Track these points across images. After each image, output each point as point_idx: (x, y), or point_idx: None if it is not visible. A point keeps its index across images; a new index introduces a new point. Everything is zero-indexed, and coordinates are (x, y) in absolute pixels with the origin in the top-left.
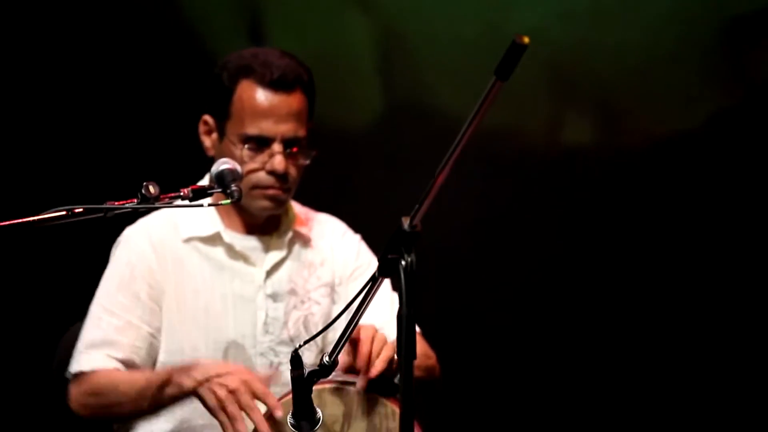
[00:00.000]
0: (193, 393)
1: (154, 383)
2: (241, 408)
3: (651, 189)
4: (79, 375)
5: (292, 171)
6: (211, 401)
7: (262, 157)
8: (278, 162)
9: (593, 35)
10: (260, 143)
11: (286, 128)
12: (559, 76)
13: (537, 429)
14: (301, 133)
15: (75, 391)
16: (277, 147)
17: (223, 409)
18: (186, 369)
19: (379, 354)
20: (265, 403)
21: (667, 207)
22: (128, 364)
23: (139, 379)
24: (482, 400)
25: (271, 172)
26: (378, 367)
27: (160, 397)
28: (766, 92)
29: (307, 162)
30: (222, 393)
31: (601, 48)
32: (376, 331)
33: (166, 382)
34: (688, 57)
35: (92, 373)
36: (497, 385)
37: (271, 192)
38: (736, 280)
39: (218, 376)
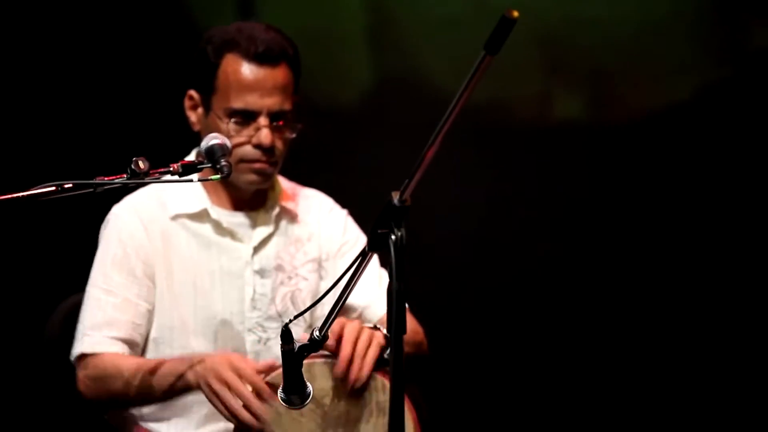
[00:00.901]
0: (198, 388)
1: (159, 376)
2: (237, 395)
3: (641, 161)
4: (84, 357)
5: (279, 144)
6: (206, 390)
7: (248, 131)
8: (264, 136)
9: (582, 9)
10: (246, 117)
11: (271, 102)
12: (548, 50)
13: (536, 425)
14: (287, 106)
15: (81, 374)
16: (263, 121)
17: (221, 403)
18: (186, 362)
19: (364, 354)
20: (253, 384)
21: (657, 179)
22: (129, 343)
23: (143, 369)
24: (475, 390)
25: (258, 146)
26: (365, 371)
27: (165, 389)
28: (756, 63)
29: (293, 135)
30: (214, 382)
31: (590, 21)
32: (361, 330)
33: (166, 373)
34: (678, 29)
35: (96, 356)
36: (484, 371)
37: (257, 166)
38: (728, 252)
39: (213, 371)
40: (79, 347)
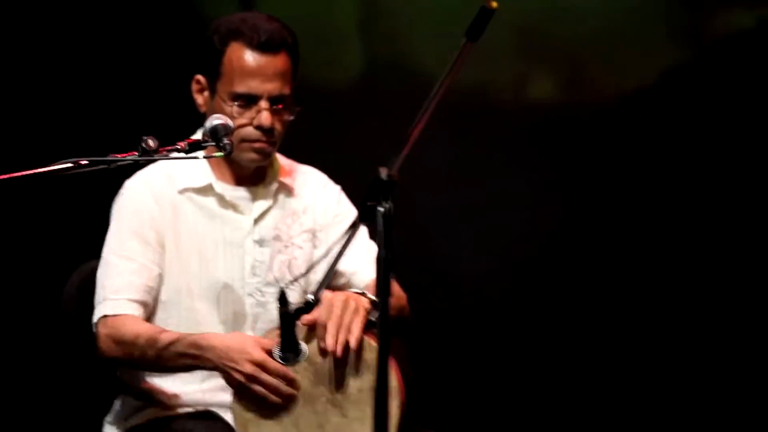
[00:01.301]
0: (215, 369)
1: (171, 347)
2: (266, 387)
3: (612, 140)
4: (105, 319)
5: (278, 126)
6: (234, 383)
7: (249, 113)
8: (265, 118)
9: None
10: (248, 100)
11: (272, 86)
12: (525, 37)
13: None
14: (286, 91)
15: (102, 333)
16: (263, 104)
17: (249, 389)
18: (203, 345)
19: (349, 326)
20: (285, 376)
21: (627, 158)
22: (144, 304)
23: (160, 340)
24: (465, 377)
25: (258, 127)
26: (355, 337)
27: (177, 363)
28: (719, 47)
29: (292, 118)
30: (241, 378)
31: (564, 10)
32: (346, 297)
33: (185, 352)
34: (645, 16)
35: (117, 318)
36: (475, 354)
37: (257, 145)
38: (697, 229)
39: (232, 360)
40: (102, 310)
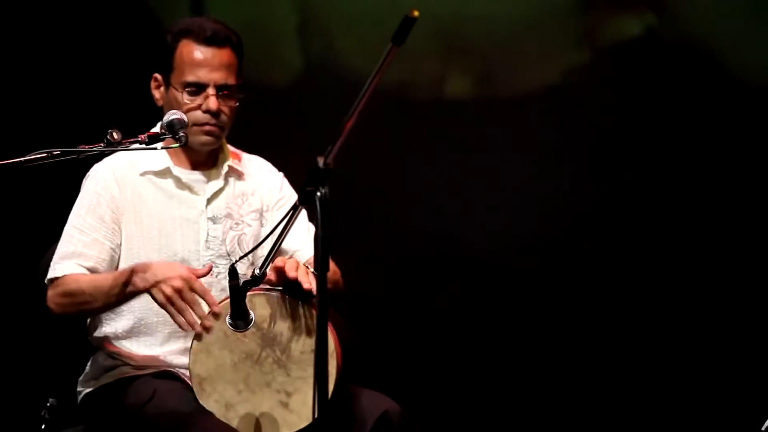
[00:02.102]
0: (146, 291)
1: (114, 284)
2: (186, 302)
3: (520, 131)
4: (54, 280)
5: (225, 110)
6: (161, 299)
7: (199, 100)
8: (212, 102)
9: (470, 8)
10: (198, 88)
11: (218, 76)
12: (443, 42)
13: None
14: (231, 81)
15: (51, 294)
16: (210, 90)
17: (172, 304)
18: (140, 270)
19: (306, 273)
20: (204, 299)
21: (533, 147)
22: (93, 271)
23: (102, 280)
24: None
25: (207, 111)
26: (313, 281)
27: (119, 294)
28: (610, 49)
29: (236, 104)
30: (168, 291)
31: (477, 17)
32: (295, 261)
33: (124, 282)
34: (547, 25)
35: (64, 277)
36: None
37: (207, 128)
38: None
39: (165, 278)
40: (51, 273)
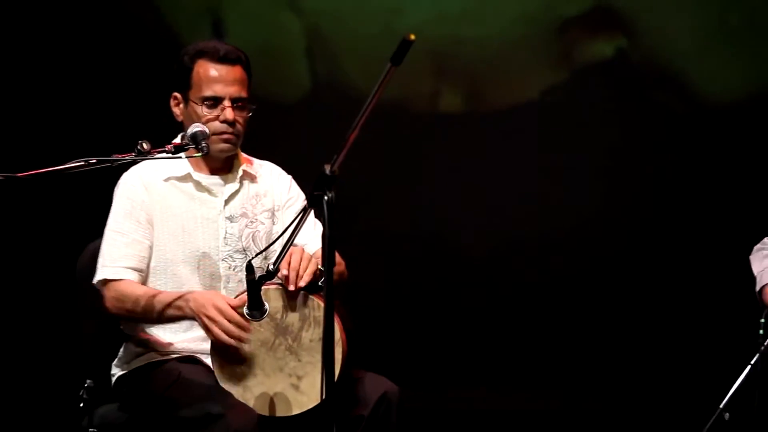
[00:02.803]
0: (193, 316)
1: (162, 303)
2: (224, 332)
3: (505, 142)
4: (106, 282)
5: (239, 119)
6: (203, 325)
7: (216, 112)
8: (228, 113)
9: (461, 31)
10: (215, 101)
11: (232, 90)
12: (437, 62)
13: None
14: (243, 94)
15: (107, 295)
16: (227, 103)
17: (212, 332)
18: (184, 299)
19: (306, 269)
20: (239, 325)
21: (517, 155)
22: (137, 269)
23: (153, 297)
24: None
25: (224, 121)
26: (305, 279)
27: (165, 315)
28: (584, 69)
29: (249, 114)
30: (206, 319)
31: (467, 40)
32: (303, 252)
33: (171, 305)
34: (529, 47)
35: (117, 282)
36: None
37: (225, 136)
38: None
39: (203, 306)
40: (101, 274)
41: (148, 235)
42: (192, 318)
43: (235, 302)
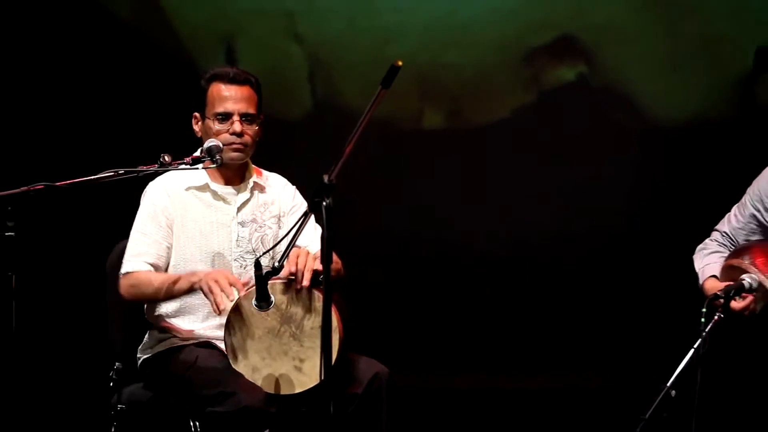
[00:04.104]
0: (197, 284)
1: (173, 281)
2: (222, 289)
3: (480, 156)
4: (126, 274)
5: (248, 132)
6: (205, 288)
7: (226, 126)
8: (236, 126)
9: (444, 57)
10: (225, 117)
11: (240, 106)
12: (421, 85)
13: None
14: (251, 110)
15: (123, 283)
16: (235, 117)
17: (210, 290)
18: (192, 273)
19: (305, 268)
20: (235, 286)
21: (493, 169)
22: (155, 266)
23: (164, 278)
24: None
25: (233, 133)
26: (307, 276)
27: (177, 289)
28: (549, 94)
29: (257, 128)
30: (210, 281)
31: (447, 66)
32: (307, 252)
33: (180, 280)
34: (502, 72)
35: (136, 272)
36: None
37: (234, 146)
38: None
39: (209, 275)
40: (124, 268)
41: (168, 237)
42: (198, 287)
43: (243, 292)
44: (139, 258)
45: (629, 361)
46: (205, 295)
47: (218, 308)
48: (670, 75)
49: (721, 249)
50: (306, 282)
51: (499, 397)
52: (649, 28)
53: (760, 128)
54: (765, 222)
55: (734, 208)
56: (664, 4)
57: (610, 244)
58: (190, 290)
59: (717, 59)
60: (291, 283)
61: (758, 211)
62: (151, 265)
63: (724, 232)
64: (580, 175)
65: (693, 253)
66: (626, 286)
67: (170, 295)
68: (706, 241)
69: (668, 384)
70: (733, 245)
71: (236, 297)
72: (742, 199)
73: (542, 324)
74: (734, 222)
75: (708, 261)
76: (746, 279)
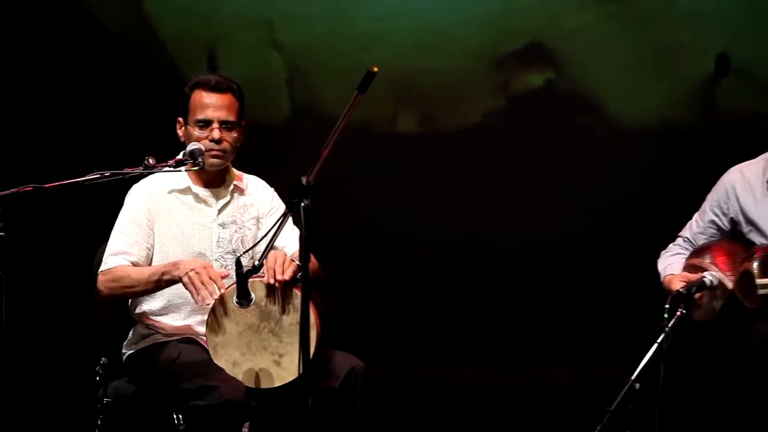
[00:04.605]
0: (177, 277)
1: (153, 273)
2: (203, 283)
3: (452, 158)
4: (105, 270)
5: (227, 139)
6: (186, 280)
7: (206, 132)
8: (215, 133)
9: (416, 65)
10: (206, 123)
11: (220, 113)
12: (395, 90)
13: None
14: (231, 117)
15: (101, 279)
16: (215, 125)
17: (192, 284)
18: (174, 264)
19: (284, 270)
20: (215, 282)
21: (465, 170)
22: (135, 265)
23: (143, 271)
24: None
25: (212, 140)
26: (286, 275)
27: (157, 282)
28: (518, 99)
29: (237, 135)
30: (192, 274)
31: (421, 73)
32: (284, 255)
33: (161, 273)
34: (473, 78)
35: (114, 268)
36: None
37: (213, 152)
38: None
39: (191, 267)
40: (103, 266)
41: (149, 239)
42: (178, 279)
43: (225, 290)
44: (119, 256)
45: (597, 356)
46: (185, 286)
47: (202, 301)
48: (634, 80)
49: (683, 252)
50: (286, 276)
51: (470, 391)
52: (614, 36)
53: (720, 132)
54: (724, 227)
55: (695, 215)
56: (629, 13)
57: (579, 244)
58: (171, 283)
59: (679, 65)
60: (269, 282)
61: (717, 216)
62: (132, 263)
63: (686, 238)
64: (548, 176)
65: (658, 250)
66: (592, 286)
67: (151, 287)
68: (670, 245)
69: (633, 377)
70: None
71: (218, 293)
72: (702, 206)
73: (512, 321)
74: (695, 228)
75: (670, 261)
76: (707, 276)
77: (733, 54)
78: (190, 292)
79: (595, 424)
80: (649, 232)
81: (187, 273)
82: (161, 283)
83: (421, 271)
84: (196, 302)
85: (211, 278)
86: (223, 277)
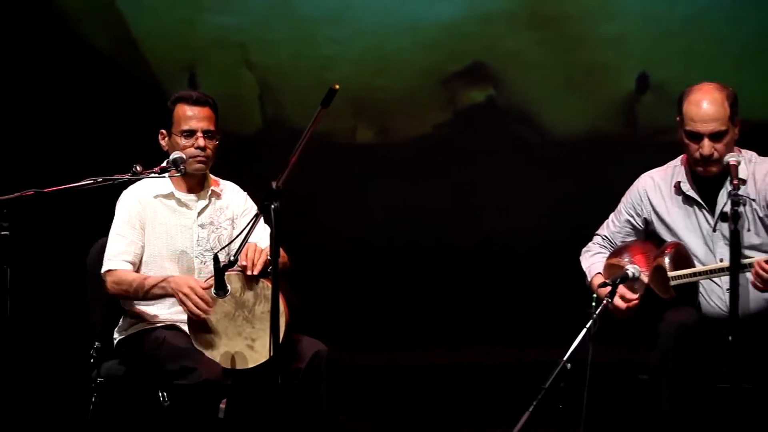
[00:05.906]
0: (174, 294)
1: (151, 285)
2: (195, 304)
3: (406, 167)
4: (109, 271)
5: (209, 146)
6: (179, 296)
7: (191, 141)
8: (200, 141)
9: (375, 81)
10: (190, 133)
11: (203, 124)
12: (355, 105)
13: None
14: (211, 127)
15: (108, 280)
16: (199, 134)
17: (187, 303)
18: (167, 280)
19: (259, 259)
20: (204, 300)
21: (418, 177)
22: (132, 263)
23: (143, 280)
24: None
25: (197, 147)
26: (258, 267)
27: (153, 293)
28: (463, 113)
29: (216, 143)
30: (183, 290)
31: (377, 89)
32: (257, 246)
33: (157, 286)
34: (423, 94)
35: (117, 271)
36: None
37: (198, 158)
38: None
39: (180, 285)
40: (106, 266)
41: (141, 238)
42: (172, 295)
43: (205, 284)
44: (119, 257)
45: (533, 339)
46: (181, 304)
47: (196, 318)
48: (565, 96)
49: (603, 251)
50: (256, 271)
51: (419, 371)
52: (546, 57)
53: (640, 142)
54: (638, 226)
55: (612, 215)
56: (560, 36)
57: (521, 241)
58: (162, 296)
59: (604, 83)
60: (244, 274)
61: (632, 217)
62: (129, 262)
63: (604, 236)
64: (490, 182)
65: (579, 254)
66: (529, 280)
67: (147, 297)
68: (589, 244)
69: (564, 358)
70: (612, 247)
71: (209, 311)
72: (618, 207)
73: (459, 305)
74: (612, 227)
75: (593, 261)
76: (630, 269)
77: (651, 73)
78: (186, 308)
79: (532, 399)
80: (577, 230)
81: (181, 292)
82: (152, 295)
83: (373, 262)
84: (191, 316)
85: (199, 297)
86: (204, 289)
